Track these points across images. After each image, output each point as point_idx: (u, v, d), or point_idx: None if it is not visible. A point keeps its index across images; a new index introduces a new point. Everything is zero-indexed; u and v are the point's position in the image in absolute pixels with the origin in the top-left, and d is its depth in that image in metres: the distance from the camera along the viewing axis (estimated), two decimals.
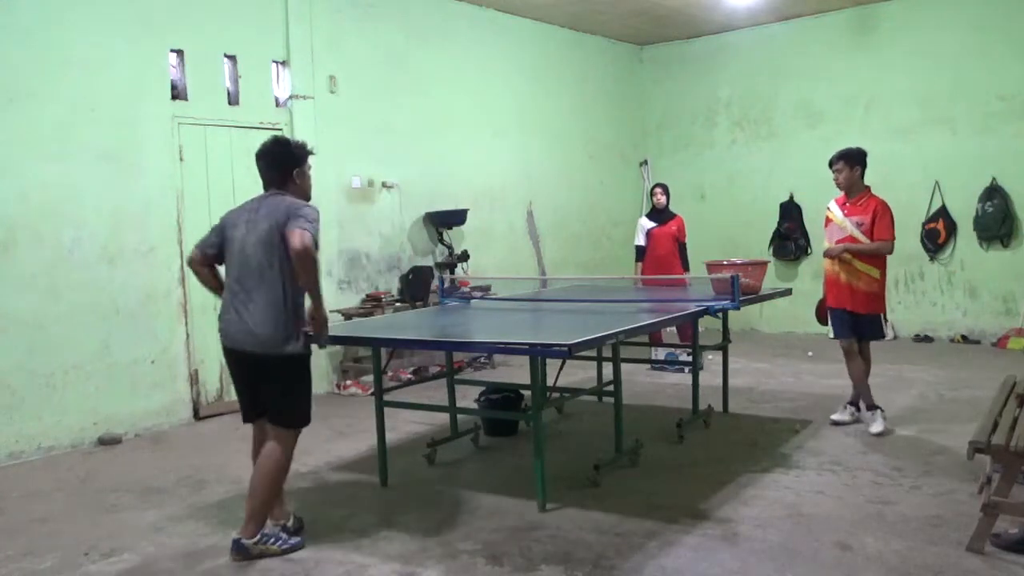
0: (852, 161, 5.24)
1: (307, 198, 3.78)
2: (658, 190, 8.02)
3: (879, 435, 5.18)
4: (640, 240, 7.99)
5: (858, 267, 5.27)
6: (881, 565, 3.33)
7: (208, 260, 3.74)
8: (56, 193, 5.53)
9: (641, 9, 8.98)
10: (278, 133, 3.71)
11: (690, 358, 7.23)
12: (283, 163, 3.71)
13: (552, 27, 9.42)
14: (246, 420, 3.82)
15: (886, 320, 5.50)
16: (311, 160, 3.84)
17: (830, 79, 9.39)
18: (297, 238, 3.42)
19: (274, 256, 3.52)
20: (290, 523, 3.84)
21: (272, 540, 3.63)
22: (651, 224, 7.95)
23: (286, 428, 3.63)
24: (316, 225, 3.53)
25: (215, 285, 3.79)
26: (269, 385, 3.65)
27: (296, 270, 3.49)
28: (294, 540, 3.70)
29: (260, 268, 3.54)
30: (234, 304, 3.60)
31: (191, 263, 3.82)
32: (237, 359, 3.67)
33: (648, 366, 7.35)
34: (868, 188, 5.32)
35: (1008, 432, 3.49)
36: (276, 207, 3.57)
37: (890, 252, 5.31)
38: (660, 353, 7.44)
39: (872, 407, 5.34)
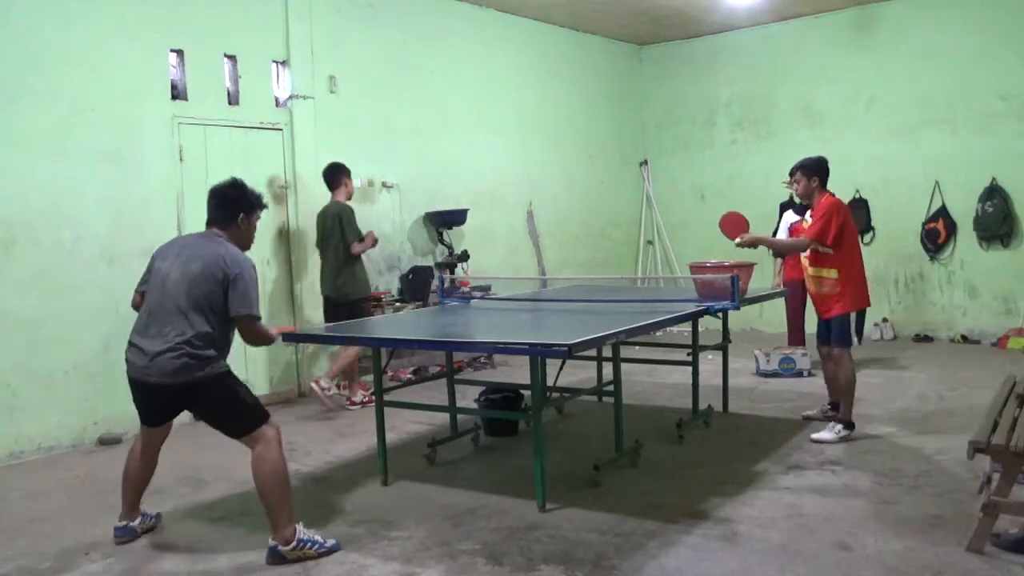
0: (809, 172, 5.21)
1: (247, 246, 3.80)
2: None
3: (816, 442, 5.08)
4: (783, 235, 7.22)
5: (815, 272, 5.24)
6: (881, 565, 3.33)
7: None
8: (56, 193, 5.53)
9: (641, 9, 8.98)
10: (229, 177, 3.89)
11: (808, 360, 7.15)
12: (234, 205, 3.74)
13: (552, 27, 9.42)
14: (144, 423, 3.81)
15: (859, 324, 5.28)
16: (262, 214, 3.90)
17: (830, 79, 9.39)
18: (248, 334, 3.65)
19: (195, 301, 3.52)
20: (136, 522, 3.87)
21: (309, 545, 3.58)
22: (795, 218, 7.07)
23: (250, 432, 3.59)
24: (256, 292, 3.62)
25: None
26: (198, 411, 3.68)
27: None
28: (331, 543, 3.65)
29: (176, 307, 3.52)
30: (144, 336, 3.56)
31: (134, 307, 3.81)
32: (145, 390, 3.62)
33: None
34: (824, 193, 5.20)
35: (1008, 432, 3.49)
36: (213, 255, 3.56)
37: (803, 249, 5.27)
38: (764, 359, 7.24)
39: (843, 421, 5.17)
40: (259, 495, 3.58)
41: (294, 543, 3.54)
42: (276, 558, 3.53)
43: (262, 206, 3.86)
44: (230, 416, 3.62)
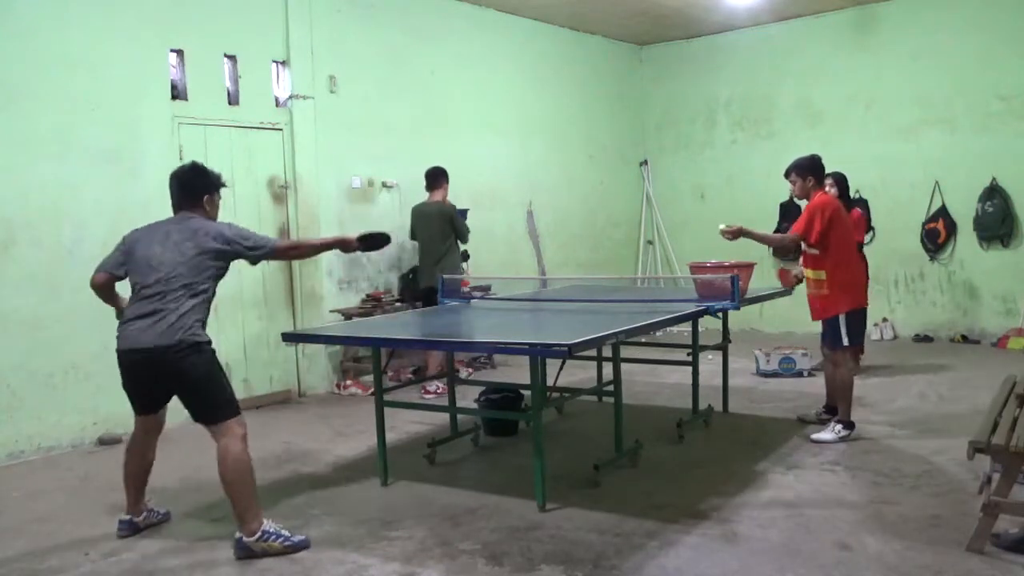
0: (804, 171, 5.17)
1: None
2: (828, 181, 6.31)
3: (815, 441, 5.06)
4: None
5: (808, 274, 5.23)
6: (881, 565, 3.33)
7: (114, 280, 3.85)
8: (56, 193, 5.53)
9: (641, 9, 8.98)
10: (188, 161, 4.07)
11: (809, 360, 7.07)
12: (196, 188, 3.88)
13: (552, 27, 9.42)
14: (137, 413, 3.89)
15: (859, 327, 5.10)
16: (223, 192, 4.03)
17: (830, 79, 9.39)
18: (287, 258, 3.82)
19: (198, 278, 3.66)
20: (140, 518, 3.93)
21: (274, 538, 3.65)
22: None
23: (221, 422, 3.65)
24: (252, 232, 3.85)
25: (117, 304, 3.92)
26: (179, 391, 3.73)
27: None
28: (298, 538, 3.71)
29: (179, 286, 3.62)
30: (145, 313, 3.62)
31: (96, 285, 3.86)
32: (136, 362, 3.66)
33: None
34: (819, 191, 5.15)
35: (1008, 432, 3.49)
36: (204, 233, 3.72)
37: (787, 244, 5.30)
38: (764, 359, 7.23)
39: (843, 421, 5.15)
40: (224, 489, 3.65)
41: (259, 534, 3.61)
42: (243, 550, 3.61)
43: (222, 185, 4.01)
44: (204, 400, 3.68)
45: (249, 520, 3.61)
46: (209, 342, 3.69)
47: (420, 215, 7.15)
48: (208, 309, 3.76)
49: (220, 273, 3.79)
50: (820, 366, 6.16)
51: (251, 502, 3.65)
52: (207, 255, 3.68)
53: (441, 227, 7.00)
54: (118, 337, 3.71)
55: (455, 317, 5.28)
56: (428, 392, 6.82)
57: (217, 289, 3.83)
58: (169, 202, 5.91)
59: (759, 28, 9.80)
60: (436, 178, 7.14)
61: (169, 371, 3.62)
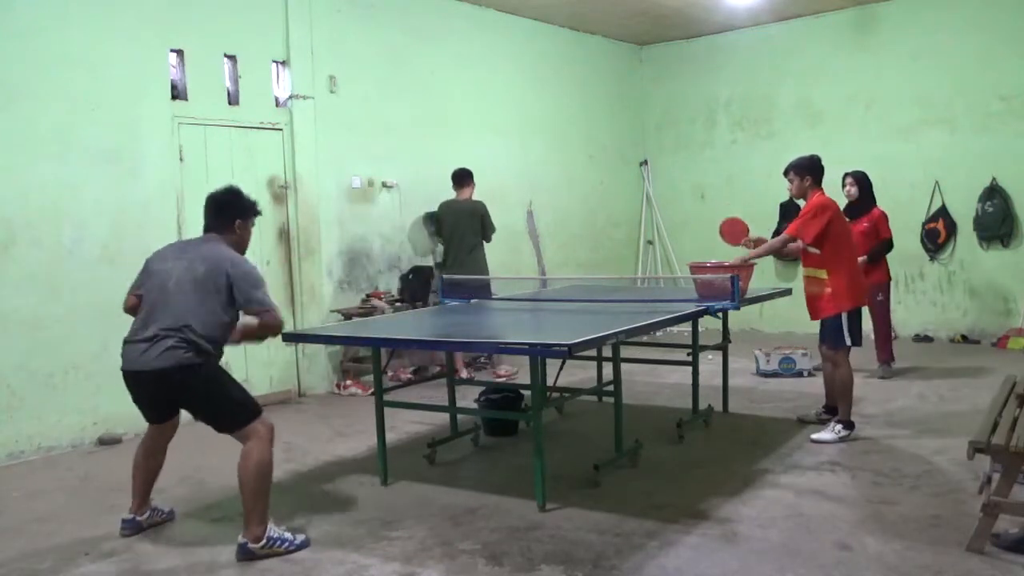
0: (802, 171, 5.21)
1: (242, 251, 3.89)
2: (848, 180, 6.81)
3: (815, 442, 5.06)
4: None
5: (806, 273, 5.25)
6: (881, 565, 3.33)
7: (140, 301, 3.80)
8: (56, 193, 5.53)
9: (641, 9, 8.98)
10: (225, 184, 4.05)
11: (809, 360, 7.07)
12: (229, 211, 3.85)
13: (552, 27, 9.42)
14: (149, 422, 3.91)
15: (856, 326, 5.10)
16: (256, 220, 3.98)
17: (830, 79, 9.39)
18: (267, 328, 3.74)
19: (199, 302, 3.59)
20: (143, 516, 3.95)
21: (279, 543, 3.64)
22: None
23: (240, 428, 3.64)
24: (265, 290, 3.76)
25: None
26: (188, 404, 3.73)
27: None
28: (299, 540, 3.71)
29: (179, 305, 3.58)
30: (141, 332, 3.61)
31: (127, 309, 3.84)
32: (139, 382, 3.67)
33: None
34: (817, 191, 5.18)
35: (1008, 432, 3.49)
36: (218, 258, 3.66)
37: (786, 246, 5.26)
38: (764, 359, 7.23)
39: (842, 421, 5.15)
40: (240, 489, 3.63)
41: (264, 541, 3.60)
42: (246, 555, 3.59)
43: (256, 212, 3.96)
44: (216, 413, 3.67)
45: (255, 525, 3.59)
46: (209, 356, 3.63)
47: (451, 211, 7.39)
48: (217, 332, 3.65)
49: (225, 300, 3.65)
50: (820, 366, 6.17)
51: (263, 507, 3.62)
52: (215, 278, 3.60)
53: (472, 224, 7.31)
54: (121, 355, 3.69)
55: (455, 317, 5.28)
56: (499, 375, 7.58)
57: (234, 318, 3.74)
58: (169, 201, 6.09)
59: (759, 28, 9.80)
60: (464, 177, 7.46)
61: (173, 389, 3.62)
